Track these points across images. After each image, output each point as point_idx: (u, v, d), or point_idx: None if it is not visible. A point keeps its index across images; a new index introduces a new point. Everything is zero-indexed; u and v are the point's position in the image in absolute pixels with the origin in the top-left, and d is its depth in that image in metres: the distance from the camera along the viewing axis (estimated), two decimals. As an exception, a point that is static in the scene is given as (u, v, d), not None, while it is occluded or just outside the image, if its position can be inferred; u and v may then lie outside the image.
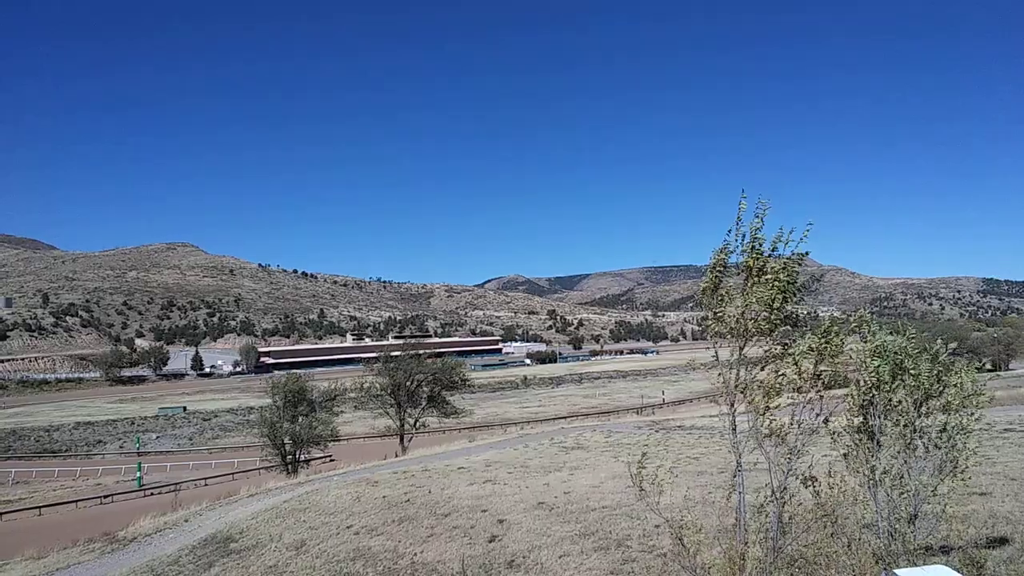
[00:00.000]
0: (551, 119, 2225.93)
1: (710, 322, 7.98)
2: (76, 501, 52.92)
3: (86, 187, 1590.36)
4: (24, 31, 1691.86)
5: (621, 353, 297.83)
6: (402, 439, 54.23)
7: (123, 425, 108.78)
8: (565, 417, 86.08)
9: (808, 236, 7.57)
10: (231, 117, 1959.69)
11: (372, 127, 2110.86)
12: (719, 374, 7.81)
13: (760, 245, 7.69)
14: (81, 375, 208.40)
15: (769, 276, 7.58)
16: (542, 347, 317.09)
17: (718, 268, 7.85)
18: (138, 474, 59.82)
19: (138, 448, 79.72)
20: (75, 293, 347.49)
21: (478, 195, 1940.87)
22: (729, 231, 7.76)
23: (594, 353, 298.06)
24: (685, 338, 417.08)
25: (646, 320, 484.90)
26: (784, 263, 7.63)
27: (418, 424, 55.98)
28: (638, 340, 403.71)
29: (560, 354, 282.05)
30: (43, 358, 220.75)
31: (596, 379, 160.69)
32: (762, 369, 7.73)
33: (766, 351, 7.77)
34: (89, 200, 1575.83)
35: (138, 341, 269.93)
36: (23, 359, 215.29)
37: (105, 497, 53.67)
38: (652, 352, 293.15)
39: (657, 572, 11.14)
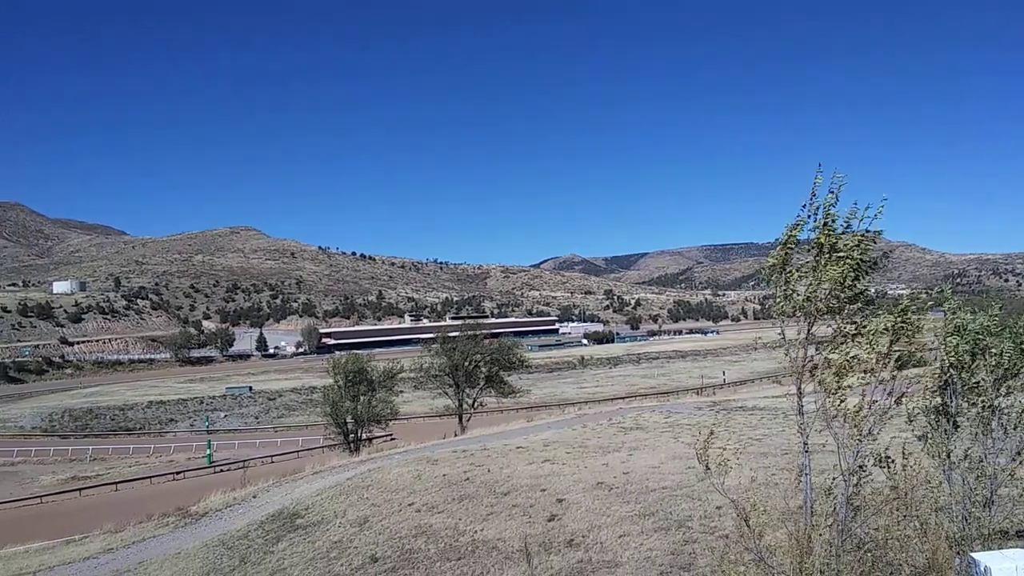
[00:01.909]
0: (607, 97, 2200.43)
1: (778, 300, 7.74)
2: (150, 477, 55.18)
3: (153, 174, 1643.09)
4: (88, 18, 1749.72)
5: (680, 333, 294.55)
6: (460, 419, 54.78)
7: (193, 404, 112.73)
8: (623, 397, 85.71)
9: (881, 213, 7.27)
10: (290, 103, 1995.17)
11: (427, 110, 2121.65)
12: (786, 353, 7.59)
13: (833, 221, 7.42)
14: (152, 356, 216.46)
15: (842, 253, 7.31)
16: (599, 327, 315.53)
17: (788, 245, 7.60)
18: (208, 451, 61.85)
19: (207, 426, 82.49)
20: (145, 277, 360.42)
21: (534, 175, 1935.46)
22: (804, 206, 7.50)
23: (652, 333, 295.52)
24: (746, 317, 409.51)
25: (705, 299, 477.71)
26: (858, 240, 7.35)
27: (476, 404, 56.45)
28: (697, 320, 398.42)
29: (617, 334, 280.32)
30: (116, 340, 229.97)
31: (654, 359, 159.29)
32: (832, 349, 7.48)
33: (836, 330, 7.52)
34: (156, 186, 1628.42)
35: (205, 323, 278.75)
36: (97, 341, 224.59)
37: (177, 473, 55.78)
38: (712, 332, 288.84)
39: (719, 553, 10.98)
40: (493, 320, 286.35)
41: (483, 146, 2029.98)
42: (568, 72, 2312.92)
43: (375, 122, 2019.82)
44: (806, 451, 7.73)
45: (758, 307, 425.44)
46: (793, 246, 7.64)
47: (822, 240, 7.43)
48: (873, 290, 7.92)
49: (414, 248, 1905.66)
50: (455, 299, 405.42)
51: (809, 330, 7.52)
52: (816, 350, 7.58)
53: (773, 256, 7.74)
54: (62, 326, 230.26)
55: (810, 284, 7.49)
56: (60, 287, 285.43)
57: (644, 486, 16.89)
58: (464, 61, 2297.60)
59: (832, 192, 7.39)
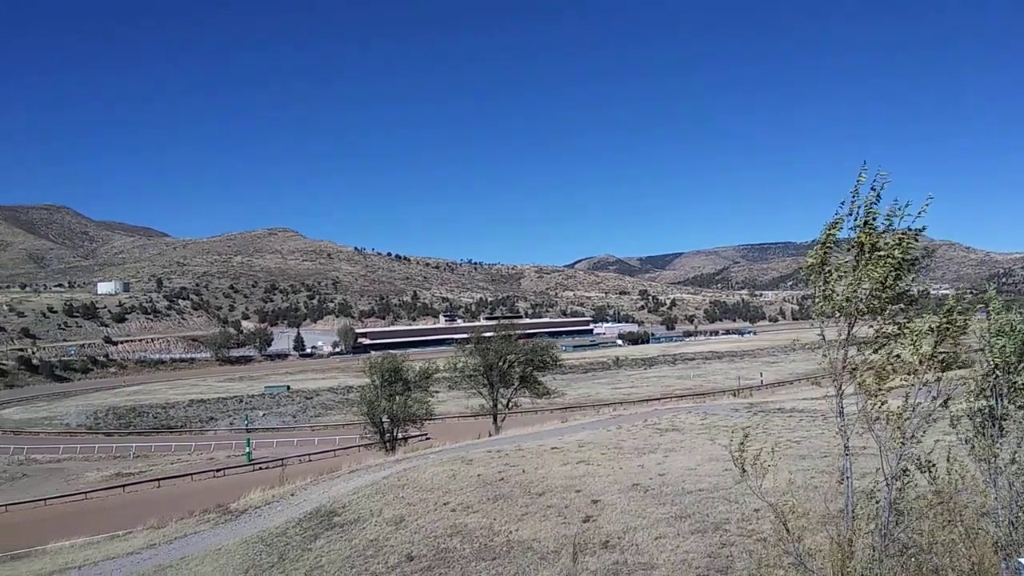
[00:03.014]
0: (640, 95, 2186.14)
1: (816, 300, 7.63)
2: (191, 474, 56.24)
3: (194, 176, 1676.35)
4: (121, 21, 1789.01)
5: (716, 333, 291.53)
6: (495, 419, 54.89)
7: (232, 403, 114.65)
8: (659, 398, 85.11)
9: (925, 211, 7.13)
10: (329, 104, 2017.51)
11: (460, 108, 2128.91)
12: (825, 355, 7.48)
13: (874, 220, 7.29)
14: (193, 355, 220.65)
15: (883, 252, 7.18)
16: (634, 328, 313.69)
17: (828, 244, 7.49)
18: (247, 449, 62.81)
19: (246, 425, 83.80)
20: (186, 278, 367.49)
21: (568, 175, 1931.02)
22: (843, 203, 7.38)
23: (688, 334, 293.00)
24: (784, 318, 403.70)
25: (742, 299, 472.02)
26: (899, 238, 7.21)
27: (510, 404, 56.51)
28: (734, 320, 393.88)
29: (653, 335, 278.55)
30: (158, 339, 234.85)
31: (690, 360, 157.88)
32: (874, 350, 7.36)
33: (877, 330, 7.39)
34: (197, 188, 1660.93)
35: (244, 323, 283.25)
36: (140, 340, 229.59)
37: (218, 471, 56.77)
38: (749, 332, 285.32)
39: (757, 557, 10.86)
40: (527, 320, 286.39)
41: (517, 146, 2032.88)
42: (605, 69, 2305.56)
43: (410, 122, 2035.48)
44: (847, 454, 7.61)
45: (796, 307, 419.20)
46: (832, 245, 7.52)
47: (863, 239, 7.31)
48: (915, 290, 7.76)
49: (448, 249, 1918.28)
50: (489, 299, 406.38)
51: (849, 331, 7.41)
52: (856, 351, 7.46)
53: (812, 255, 7.63)
54: (106, 326, 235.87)
55: (850, 284, 7.38)
56: (104, 288, 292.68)
57: (680, 488, 16.76)
58: (497, 59, 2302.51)
59: (874, 190, 7.27)
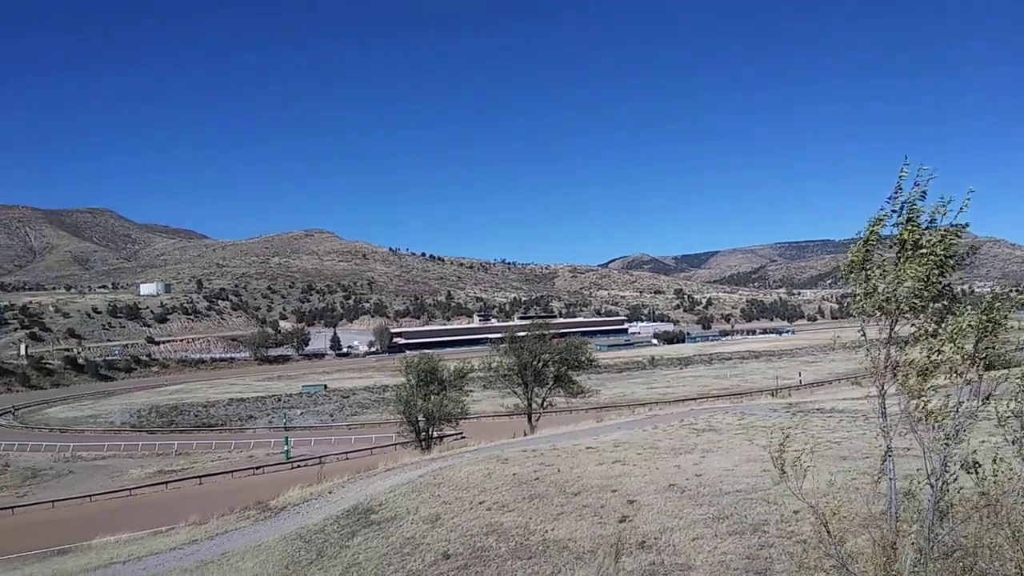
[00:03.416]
0: (674, 92, 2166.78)
1: (858, 299, 7.51)
2: (231, 472, 57.16)
3: (232, 178, 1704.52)
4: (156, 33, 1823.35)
5: (753, 333, 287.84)
6: (530, 418, 54.89)
7: (271, 402, 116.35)
8: (695, 398, 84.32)
9: (967, 206, 6.98)
10: (362, 105, 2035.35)
11: (489, 109, 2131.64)
12: (867, 354, 7.35)
13: (917, 217, 7.15)
14: (232, 355, 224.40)
15: (925, 250, 7.05)
16: (669, 327, 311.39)
17: (870, 241, 7.36)
18: (286, 447, 63.63)
19: (285, 423, 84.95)
20: (225, 279, 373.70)
21: (601, 173, 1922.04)
22: (889, 199, 7.25)
23: (724, 333, 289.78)
24: (823, 317, 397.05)
25: (780, 298, 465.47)
26: (941, 235, 7.07)
27: (545, 404, 56.46)
28: (771, 319, 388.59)
29: (688, 334, 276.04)
30: (199, 339, 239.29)
31: (727, 360, 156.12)
32: (916, 349, 7.22)
33: (919, 329, 7.25)
34: (235, 191, 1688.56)
35: (282, 323, 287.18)
36: (181, 340, 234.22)
37: (257, 468, 57.61)
38: (787, 332, 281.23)
39: (797, 559, 10.71)
40: (561, 320, 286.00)
41: (551, 146, 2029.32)
42: (639, 65, 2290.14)
43: (443, 122, 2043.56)
44: (889, 455, 7.47)
45: (835, 306, 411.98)
46: (875, 242, 7.40)
47: (905, 236, 7.18)
48: (959, 287, 7.60)
49: (482, 249, 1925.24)
50: (523, 299, 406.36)
51: (891, 329, 7.27)
52: (898, 350, 7.33)
53: (853, 252, 7.51)
54: (149, 326, 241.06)
55: (892, 281, 7.25)
56: (147, 289, 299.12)
57: (718, 489, 16.60)
58: (528, 56, 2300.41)
59: (918, 186, 7.13)
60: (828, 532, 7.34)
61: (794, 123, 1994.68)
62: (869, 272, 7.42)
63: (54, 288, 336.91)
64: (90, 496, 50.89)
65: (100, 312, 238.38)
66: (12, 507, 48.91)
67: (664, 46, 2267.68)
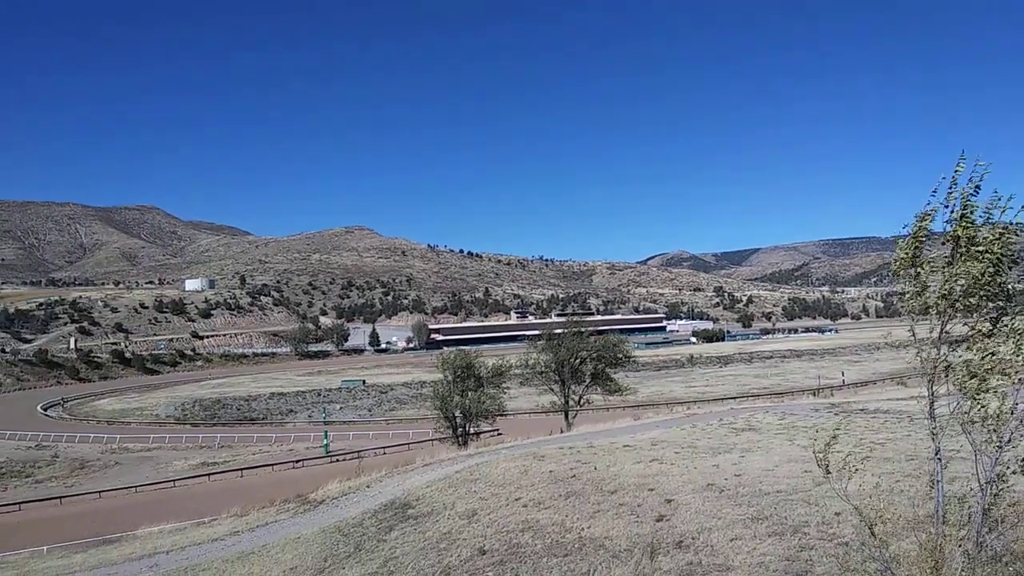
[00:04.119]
0: (714, 84, 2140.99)
1: (907, 297, 7.28)
2: (272, 465, 58.06)
3: (276, 176, 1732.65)
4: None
5: (795, 331, 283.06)
6: (566, 415, 54.75)
7: (311, 396, 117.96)
8: (734, 397, 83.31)
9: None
10: (404, 104, 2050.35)
11: (528, 105, 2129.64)
12: (917, 353, 7.13)
13: (971, 213, 6.90)
14: (274, 350, 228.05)
15: (981, 247, 6.80)
16: (708, 325, 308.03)
17: (919, 237, 7.13)
18: (325, 442, 64.42)
19: (324, 418, 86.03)
20: (267, 275, 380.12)
21: (640, 169, 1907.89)
22: (933, 192, 7.02)
23: (765, 331, 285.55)
24: (868, 315, 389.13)
25: (823, 296, 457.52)
26: (1000, 233, 6.81)
27: (582, 401, 56.26)
28: (814, 318, 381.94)
29: (728, 332, 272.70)
30: (241, 334, 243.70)
31: (768, 358, 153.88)
32: (970, 349, 6.98)
33: (972, 329, 7.00)
34: (278, 188, 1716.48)
35: (322, 319, 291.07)
36: (224, 335, 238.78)
37: (297, 462, 58.45)
38: (830, 331, 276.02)
39: (839, 562, 10.48)
40: (599, 317, 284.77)
41: (589, 141, 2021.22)
42: (679, 59, 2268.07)
43: (481, 119, 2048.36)
44: (938, 457, 7.26)
45: (880, 304, 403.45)
46: (924, 239, 7.17)
47: (959, 232, 6.93)
48: (1015, 286, 7.33)
49: (519, 245, 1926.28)
50: (560, 296, 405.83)
51: (943, 329, 7.05)
52: (950, 350, 7.09)
53: (902, 249, 7.28)
54: (193, 321, 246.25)
55: (944, 280, 7.02)
56: (191, 285, 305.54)
57: (757, 489, 16.34)
58: (567, 50, 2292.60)
59: (972, 181, 6.88)
60: (873, 534, 7.15)
61: (838, 118, 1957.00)
62: (919, 270, 7.20)
63: (103, 283, 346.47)
64: (136, 487, 52.16)
65: (147, 307, 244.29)
66: (61, 497, 50.38)
67: (704, 37, 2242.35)
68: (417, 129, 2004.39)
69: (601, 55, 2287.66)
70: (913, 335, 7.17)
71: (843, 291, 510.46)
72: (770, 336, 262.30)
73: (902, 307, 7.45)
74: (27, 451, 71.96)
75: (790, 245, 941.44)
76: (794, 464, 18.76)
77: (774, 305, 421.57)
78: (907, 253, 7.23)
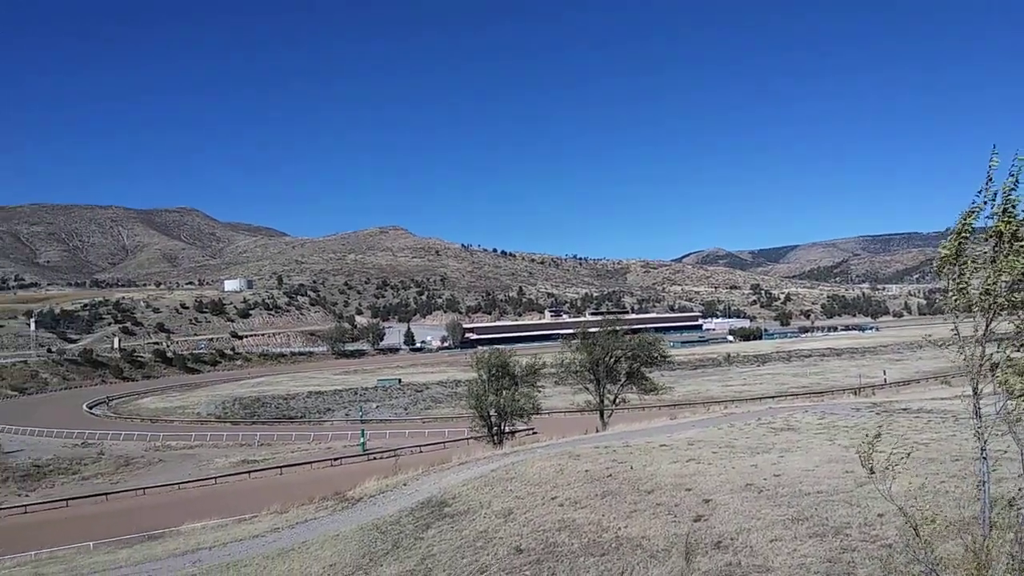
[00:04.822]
0: (748, 75, 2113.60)
1: (950, 294, 7.14)
2: (310, 462, 58.85)
3: (311, 177, 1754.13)
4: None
5: (835, 329, 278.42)
6: (602, 415, 54.56)
7: (348, 395, 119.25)
8: (772, 397, 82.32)
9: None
10: (437, 105, 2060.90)
11: (560, 103, 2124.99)
12: (960, 352, 6.99)
13: (1013, 207, 6.75)
14: (311, 349, 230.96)
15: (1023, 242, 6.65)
16: (745, 323, 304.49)
17: (962, 234, 6.99)
18: (362, 440, 65.07)
19: (361, 416, 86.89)
20: (304, 275, 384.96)
21: (674, 165, 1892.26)
22: (979, 192, 6.87)
23: (804, 330, 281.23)
24: (910, 313, 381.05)
25: (863, 294, 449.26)
26: None
27: (617, 400, 56.01)
28: (854, 315, 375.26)
29: (766, 330, 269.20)
30: (279, 333, 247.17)
31: (806, 357, 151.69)
32: (1017, 348, 6.82)
33: (1018, 326, 6.85)
34: (314, 189, 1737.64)
35: (358, 318, 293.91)
36: (263, 334, 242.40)
37: (335, 460, 59.15)
38: (871, 328, 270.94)
39: (883, 563, 10.31)
40: (633, 316, 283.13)
41: (621, 138, 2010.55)
42: (718, 50, 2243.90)
43: (511, 117, 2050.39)
44: (984, 458, 7.11)
45: (923, 302, 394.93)
46: (968, 235, 7.02)
47: (1001, 228, 6.79)
48: None
49: (553, 244, 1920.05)
50: (594, 295, 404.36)
51: (987, 326, 6.90)
52: (996, 348, 6.94)
53: (944, 246, 7.14)
54: (232, 321, 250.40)
55: (988, 276, 6.87)
56: (230, 285, 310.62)
57: (797, 489, 16.13)
58: (604, 45, 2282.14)
59: (1012, 175, 6.73)
60: (918, 536, 7.03)
61: (880, 112, 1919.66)
62: (963, 266, 7.06)
63: (145, 284, 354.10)
64: (179, 484, 53.26)
65: (187, 307, 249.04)
66: (106, 493, 51.68)
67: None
68: (451, 128, 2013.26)
69: (636, 50, 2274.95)
70: (957, 333, 7.03)
71: (884, 288, 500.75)
72: (809, 334, 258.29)
73: (945, 304, 7.31)
74: (74, 448, 73.84)
75: (829, 241, 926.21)
76: (835, 464, 18.49)
77: (813, 303, 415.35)
78: (950, 250, 7.09)
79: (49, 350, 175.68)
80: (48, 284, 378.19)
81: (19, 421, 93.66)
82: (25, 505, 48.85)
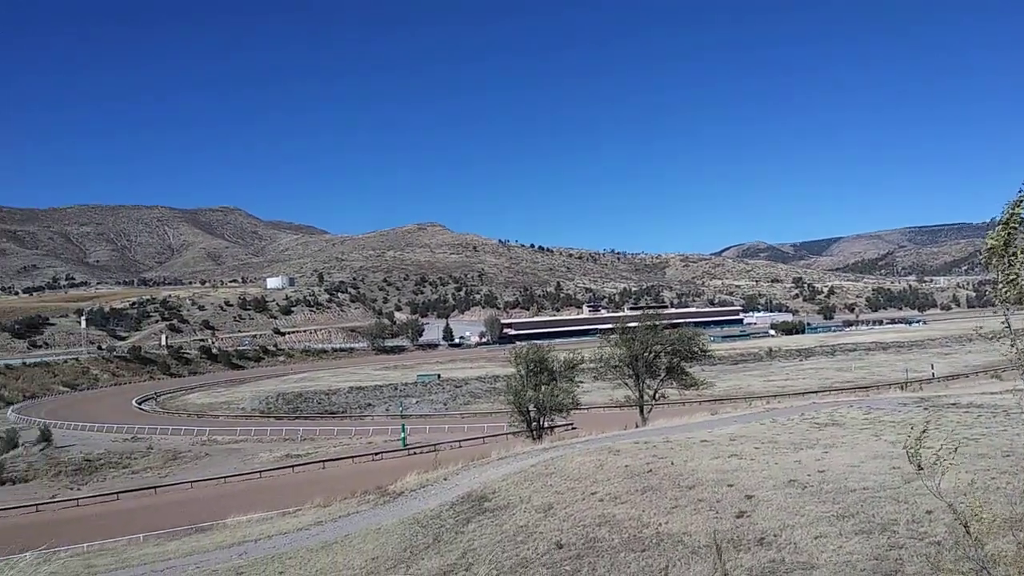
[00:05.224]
0: (786, 65, 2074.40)
1: (1000, 286, 6.96)
2: (352, 457, 59.55)
3: (351, 175, 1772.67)
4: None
5: (880, 323, 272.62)
6: (641, 410, 54.22)
7: (388, 390, 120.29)
8: (816, 392, 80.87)
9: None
10: (469, 96, 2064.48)
11: (598, 96, 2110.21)
12: (1012, 344, 6.82)
13: None
14: (352, 345, 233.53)
15: None
16: (787, 317, 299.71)
17: (1011, 224, 6.81)
18: (403, 435, 65.61)
19: (401, 411, 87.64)
20: (344, 272, 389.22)
21: (714, 158, 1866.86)
22: (1027, 179, 6.69)
23: (848, 323, 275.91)
24: (958, 305, 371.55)
25: (909, 286, 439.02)
26: None
27: (657, 395, 55.60)
28: (900, 308, 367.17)
29: (809, 324, 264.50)
30: (320, 330, 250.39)
31: (851, 351, 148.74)
32: None
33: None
34: (353, 186, 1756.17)
35: (397, 314, 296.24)
36: (304, 331, 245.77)
37: (376, 454, 59.74)
38: (917, 322, 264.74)
39: (931, 561, 10.11)
40: (673, 310, 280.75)
41: (659, 131, 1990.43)
42: (758, 39, 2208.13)
43: (547, 112, 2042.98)
44: (1036, 453, 6.93)
45: (972, 294, 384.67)
46: (1017, 225, 6.83)
47: None
48: None
49: (591, 239, 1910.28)
50: (633, 289, 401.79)
51: (1039, 319, 6.73)
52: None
53: (992, 237, 6.97)
54: (275, 318, 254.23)
55: None
56: (273, 283, 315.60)
57: (842, 486, 15.87)
58: (637, 35, 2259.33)
59: None
60: (968, 533, 6.89)
61: (925, 97, 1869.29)
62: (1011, 257, 6.88)
63: (190, 283, 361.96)
64: (224, 478, 54.33)
65: (231, 305, 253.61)
66: (155, 487, 52.99)
67: (782, 13, 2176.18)
68: (487, 124, 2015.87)
69: (671, 37, 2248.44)
70: (1008, 326, 6.86)
71: (931, 280, 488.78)
72: (853, 328, 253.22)
73: (995, 296, 7.13)
74: (124, 443, 75.76)
75: (873, 233, 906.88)
76: (881, 460, 18.15)
77: (857, 296, 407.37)
78: (997, 241, 6.91)
79: (99, 347, 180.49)
80: (98, 283, 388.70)
81: (71, 417, 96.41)
82: (77, 498, 50.33)
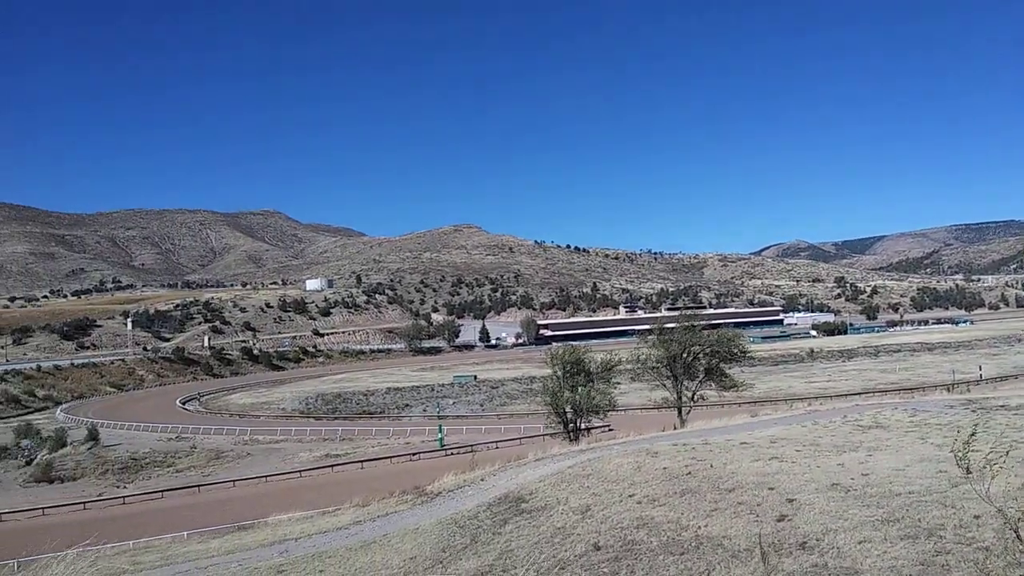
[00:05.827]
0: (841, 67, 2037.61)
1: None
2: (390, 457, 60.04)
3: (388, 177, 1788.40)
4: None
5: (925, 323, 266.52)
6: (679, 412, 53.72)
7: (425, 391, 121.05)
8: (859, 393, 79.44)
9: None
10: (507, 105, 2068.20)
11: (634, 99, 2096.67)
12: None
13: None
14: (389, 346, 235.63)
15: None
16: (829, 317, 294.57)
17: None
18: (440, 435, 65.92)
19: (438, 412, 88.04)
20: (381, 274, 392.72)
21: (753, 156, 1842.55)
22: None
23: (892, 323, 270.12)
24: (1007, 305, 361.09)
25: (956, 285, 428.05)
26: None
27: (695, 397, 55.04)
28: (946, 308, 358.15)
29: (851, 325, 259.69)
30: (358, 331, 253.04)
31: (895, 352, 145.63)
32: None
33: None
34: (391, 189, 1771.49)
35: (434, 315, 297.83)
36: (343, 332, 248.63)
37: (413, 455, 60.14)
38: (964, 322, 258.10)
39: (979, 567, 9.83)
40: (711, 311, 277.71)
41: (698, 130, 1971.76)
42: (795, 30, 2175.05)
43: (582, 115, 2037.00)
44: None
45: (1022, 293, 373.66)
46: None
47: None
48: None
49: (627, 239, 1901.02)
50: (670, 289, 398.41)
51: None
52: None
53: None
54: (314, 319, 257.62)
55: None
56: (312, 284, 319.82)
57: (887, 490, 15.51)
58: (672, 30, 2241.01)
59: None
60: (1019, 538, 6.68)
61: (971, 92, 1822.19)
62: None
63: (232, 285, 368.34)
64: (266, 477, 55.18)
65: (272, 307, 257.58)
66: (199, 485, 54.02)
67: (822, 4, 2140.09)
68: (523, 126, 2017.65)
69: (707, 32, 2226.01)
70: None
71: (979, 279, 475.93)
72: (897, 328, 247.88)
73: None
74: (168, 442, 77.39)
75: (918, 231, 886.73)
76: (927, 464, 17.70)
77: (901, 295, 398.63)
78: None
79: (144, 348, 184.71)
80: (143, 285, 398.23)
81: (118, 416, 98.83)
82: (123, 496, 51.57)
